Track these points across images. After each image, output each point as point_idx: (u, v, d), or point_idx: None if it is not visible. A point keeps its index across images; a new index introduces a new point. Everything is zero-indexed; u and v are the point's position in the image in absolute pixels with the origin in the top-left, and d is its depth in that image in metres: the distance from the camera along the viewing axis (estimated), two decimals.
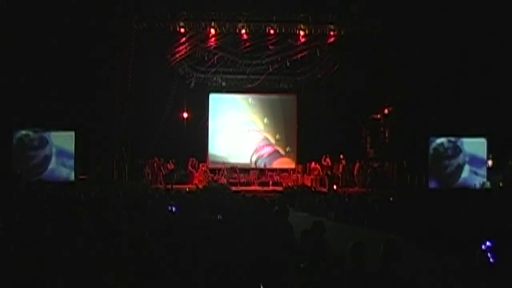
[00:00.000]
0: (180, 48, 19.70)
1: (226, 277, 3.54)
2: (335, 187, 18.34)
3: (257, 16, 19.22)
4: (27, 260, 4.05)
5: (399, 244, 3.85)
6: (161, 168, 19.37)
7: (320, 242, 4.42)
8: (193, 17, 19.19)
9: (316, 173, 19.53)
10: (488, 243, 3.56)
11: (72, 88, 17.79)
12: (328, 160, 19.57)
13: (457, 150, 18.62)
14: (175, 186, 17.03)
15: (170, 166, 19.53)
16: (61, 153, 18.13)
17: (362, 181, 19.27)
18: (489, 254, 3.55)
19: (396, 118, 19.50)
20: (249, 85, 20.91)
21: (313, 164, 19.72)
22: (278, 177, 20.30)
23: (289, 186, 18.59)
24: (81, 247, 4.58)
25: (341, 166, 19.57)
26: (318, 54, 20.12)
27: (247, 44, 19.82)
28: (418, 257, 6.75)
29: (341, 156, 19.71)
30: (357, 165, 19.61)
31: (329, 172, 19.31)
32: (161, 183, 18.40)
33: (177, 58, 19.90)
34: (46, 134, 18.15)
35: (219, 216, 6.67)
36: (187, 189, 14.76)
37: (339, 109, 19.91)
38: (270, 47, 19.92)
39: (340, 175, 19.41)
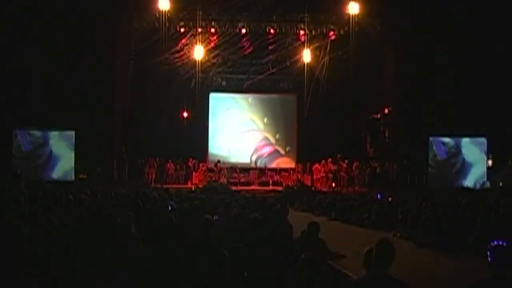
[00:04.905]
0: (181, 48, 19.70)
1: (224, 277, 3.54)
2: (333, 185, 18.36)
3: (257, 16, 19.22)
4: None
5: (392, 244, 3.53)
6: (161, 167, 19.37)
7: (317, 242, 4.42)
8: (193, 17, 19.19)
9: (317, 173, 19.52)
10: (496, 242, 3.50)
11: (72, 88, 17.79)
12: (329, 161, 19.56)
13: (457, 150, 18.63)
14: (175, 186, 17.03)
15: (170, 165, 19.53)
16: (61, 153, 18.13)
17: (362, 181, 19.27)
18: (488, 253, 3.51)
19: (396, 118, 19.49)
20: (249, 85, 20.91)
21: (314, 166, 19.71)
22: (278, 177, 20.31)
23: (289, 186, 18.57)
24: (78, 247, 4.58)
25: (341, 166, 19.55)
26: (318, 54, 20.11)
27: (247, 44, 19.82)
28: (418, 257, 6.75)
29: (341, 156, 19.70)
30: (357, 164, 19.60)
31: (329, 174, 19.30)
32: (161, 183, 18.38)
33: (177, 58, 19.90)
34: (46, 134, 18.16)
35: (215, 217, 6.66)
36: (193, 188, 14.77)
37: (339, 109, 19.91)
38: (270, 47, 19.92)
39: (340, 175, 19.41)
